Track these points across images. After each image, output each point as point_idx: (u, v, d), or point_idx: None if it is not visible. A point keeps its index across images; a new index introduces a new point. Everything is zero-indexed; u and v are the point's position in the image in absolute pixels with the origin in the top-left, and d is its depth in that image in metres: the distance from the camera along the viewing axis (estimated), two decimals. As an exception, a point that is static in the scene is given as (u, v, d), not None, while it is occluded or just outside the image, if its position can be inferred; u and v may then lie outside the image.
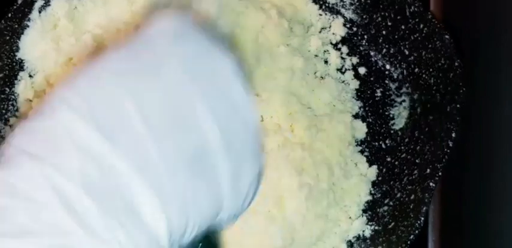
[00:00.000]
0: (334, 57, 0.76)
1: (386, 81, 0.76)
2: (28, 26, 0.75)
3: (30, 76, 0.75)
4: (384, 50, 0.76)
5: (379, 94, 0.75)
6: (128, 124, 0.42)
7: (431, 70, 0.70)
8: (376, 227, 0.68)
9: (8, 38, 0.74)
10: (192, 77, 0.46)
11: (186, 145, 0.43)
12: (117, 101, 0.43)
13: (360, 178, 0.71)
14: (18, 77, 0.75)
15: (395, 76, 0.75)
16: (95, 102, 0.43)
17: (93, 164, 0.40)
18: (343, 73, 0.76)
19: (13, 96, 0.74)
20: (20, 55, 0.75)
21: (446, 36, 0.69)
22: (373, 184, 0.72)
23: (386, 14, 0.75)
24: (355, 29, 0.78)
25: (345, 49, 0.77)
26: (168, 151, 0.42)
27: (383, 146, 0.73)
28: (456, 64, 0.67)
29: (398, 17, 0.74)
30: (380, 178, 0.72)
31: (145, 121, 0.42)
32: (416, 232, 0.62)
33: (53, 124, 0.42)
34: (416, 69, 0.72)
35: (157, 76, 0.45)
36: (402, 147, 0.72)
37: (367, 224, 0.69)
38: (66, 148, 0.41)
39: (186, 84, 0.45)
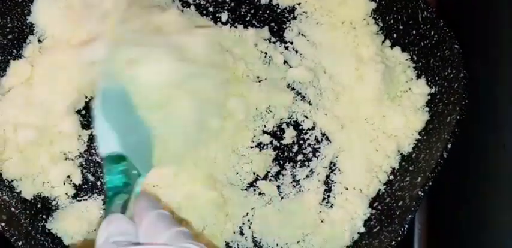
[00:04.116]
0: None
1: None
2: (42, -10, 0.71)
3: (39, 41, 0.71)
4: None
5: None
6: None
7: (437, 78, 0.66)
8: (361, 230, 0.64)
9: (20, 0, 0.69)
10: None
11: None
12: None
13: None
14: (27, 40, 0.71)
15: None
16: None
17: None
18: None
19: (19, 58, 0.70)
20: (31, 19, 0.71)
21: (456, 46, 0.65)
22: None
23: (399, 17, 0.70)
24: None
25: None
26: None
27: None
28: (462, 75, 0.64)
29: (411, 22, 0.69)
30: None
31: None
32: (399, 238, 0.59)
33: None
34: (423, 76, 0.68)
35: None
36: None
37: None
38: None
39: None
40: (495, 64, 0.66)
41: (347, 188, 0.66)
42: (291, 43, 0.73)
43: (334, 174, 0.67)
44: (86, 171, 0.67)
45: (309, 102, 0.70)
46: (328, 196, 0.67)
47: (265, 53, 0.71)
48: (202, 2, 0.75)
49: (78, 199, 0.66)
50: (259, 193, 0.67)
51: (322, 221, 0.65)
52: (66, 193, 0.66)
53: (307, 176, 0.67)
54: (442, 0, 0.78)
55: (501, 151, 0.62)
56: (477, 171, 0.67)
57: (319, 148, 0.68)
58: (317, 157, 0.68)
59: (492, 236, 0.62)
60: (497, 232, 0.61)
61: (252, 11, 0.74)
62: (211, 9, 0.75)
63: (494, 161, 0.64)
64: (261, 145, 0.68)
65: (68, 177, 0.67)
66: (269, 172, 0.67)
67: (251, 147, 0.67)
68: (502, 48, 0.65)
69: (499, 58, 0.66)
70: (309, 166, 0.68)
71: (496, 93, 0.65)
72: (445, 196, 0.71)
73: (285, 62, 0.71)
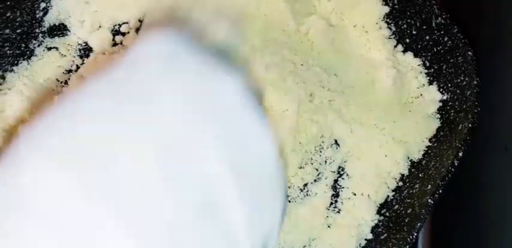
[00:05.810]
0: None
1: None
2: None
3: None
4: (405, 59, 0.70)
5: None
6: (115, 173, 0.35)
7: (449, 85, 0.65)
8: (369, 236, 0.63)
9: (30, -7, 0.69)
10: (192, 110, 0.37)
11: (191, 196, 0.36)
12: (100, 147, 0.35)
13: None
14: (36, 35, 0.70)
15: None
16: (74, 147, 0.35)
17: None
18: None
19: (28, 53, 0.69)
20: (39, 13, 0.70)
21: (469, 53, 0.64)
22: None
23: (412, 22, 0.69)
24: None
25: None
26: (171, 203, 0.35)
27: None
28: (475, 82, 0.62)
29: (424, 27, 0.68)
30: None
31: (137, 170, 0.35)
32: (407, 246, 0.58)
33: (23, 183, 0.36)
34: (435, 82, 0.66)
35: (147, 112, 0.36)
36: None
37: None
38: None
39: (186, 120, 0.37)
40: (497, 65, 0.65)
41: (355, 194, 0.65)
42: (302, 45, 0.71)
43: (343, 178, 0.66)
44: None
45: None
46: (336, 201, 0.65)
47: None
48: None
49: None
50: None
51: (329, 227, 0.64)
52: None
53: (315, 180, 0.66)
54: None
55: (503, 155, 0.61)
56: (480, 175, 0.66)
57: (328, 152, 0.67)
58: (325, 161, 0.67)
59: (498, 242, 0.61)
60: (503, 239, 0.60)
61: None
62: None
63: (496, 165, 0.63)
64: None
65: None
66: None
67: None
68: (504, 49, 0.64)
69: (501, 60, 0.64)
70: (317, 170, 0.66)
71: (497, 95, 0.64)
72: (448, 203, 0.70)
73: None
